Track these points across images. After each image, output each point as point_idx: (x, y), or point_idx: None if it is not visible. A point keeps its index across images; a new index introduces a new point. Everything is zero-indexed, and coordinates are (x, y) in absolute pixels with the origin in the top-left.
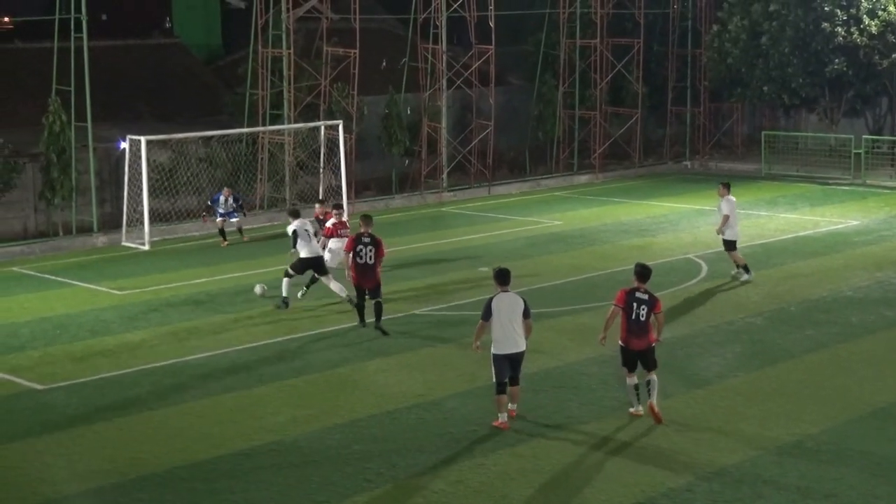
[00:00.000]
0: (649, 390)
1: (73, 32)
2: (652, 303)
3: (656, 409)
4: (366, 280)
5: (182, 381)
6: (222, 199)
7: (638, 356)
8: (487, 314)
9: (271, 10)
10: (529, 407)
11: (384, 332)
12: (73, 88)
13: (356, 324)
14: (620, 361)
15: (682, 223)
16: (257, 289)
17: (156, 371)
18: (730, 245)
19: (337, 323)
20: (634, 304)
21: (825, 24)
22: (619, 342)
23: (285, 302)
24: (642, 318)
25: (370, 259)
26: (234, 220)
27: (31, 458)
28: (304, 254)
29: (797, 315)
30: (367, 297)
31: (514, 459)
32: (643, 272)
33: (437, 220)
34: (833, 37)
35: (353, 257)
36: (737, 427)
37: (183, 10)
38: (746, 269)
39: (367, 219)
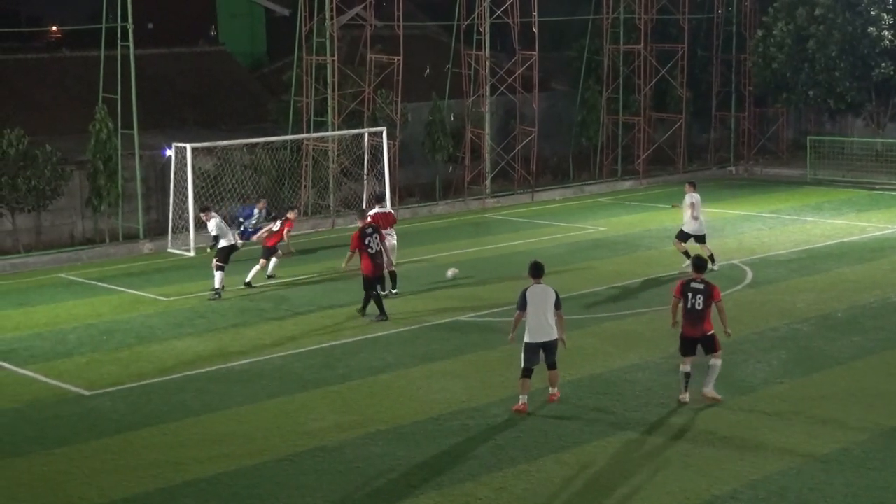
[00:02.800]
0: (708, 374)
1: (119, 41)
2: (708, 291)
3: (709, 394)
4: (378, 269)
5: (226, 387)
6: (256, 211)
7: (694, 343)
8: (522, 304)
9: (315, 18)
10: (574, 413)
11: (363, 314)
12: (119, 96)
13: (376, 318)
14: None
15: (727, 229)
16: (449, 273)
17: (201, 377)
18: (687, 237)
19: (380, 329)
20: (689, 294)
21: (871, 28)
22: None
23: (217, 293)
24: (698, 307)
25: (377, 247)
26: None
27: (78, 463)
28: (224, 243)
29: (844, 321)
30: (379, 286)
31: (558, 466)
32: (698, 263)
33: (481, 227)
34: (879, 41)
35: (364, 250)
36: (782, 434)
37: (228, 18)
38: (687, 255)
39: (363, 213)
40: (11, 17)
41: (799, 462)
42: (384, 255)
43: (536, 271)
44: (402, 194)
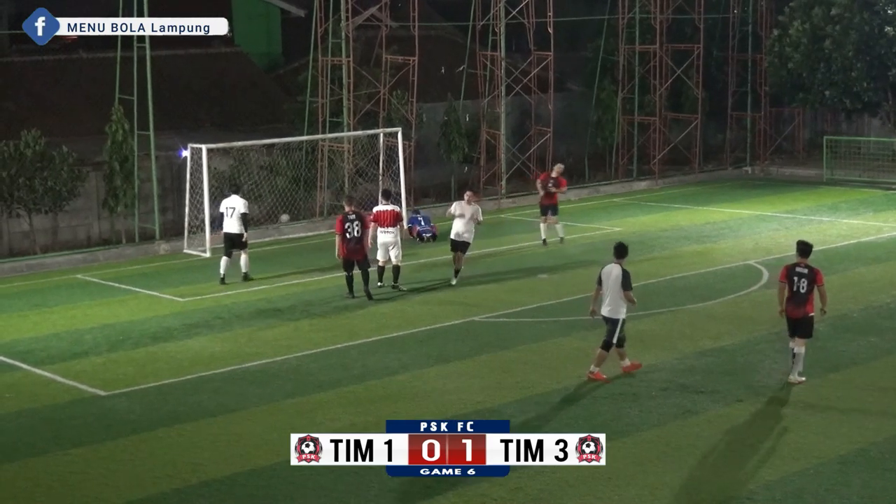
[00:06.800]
0: (795, 363)
1: (135, 42)
2: (812, 276)
3: (793, 381)
4: (355, 253)
5: (242, 387)
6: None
7: (796, 323)
8: (598, 280)
9: (331, 19)
10: (589, 413)
11: (369, 297)
12: (135, 97)
13: (345, 295)
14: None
15: (743, 229)
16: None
17: (216, 377)
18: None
19: (396, 330)
20: (795, 278)
21: (888, 28)
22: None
23: (222, 280)
24: (802, 291)
25: (357, 233)
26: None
27: (94, 464)
28: (226, 229)
29: (860, 321)
30: (354, 268)
31: (574, 467)
32: (804, 248)
33: (496, 227)
34: None
35: (343, 234)
36: (798, 435)
37: (244, 19)
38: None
39: (350, 199)
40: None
41: (815, 463)
42: (362, 244)
43: (616, 251)
44: (418, 195)
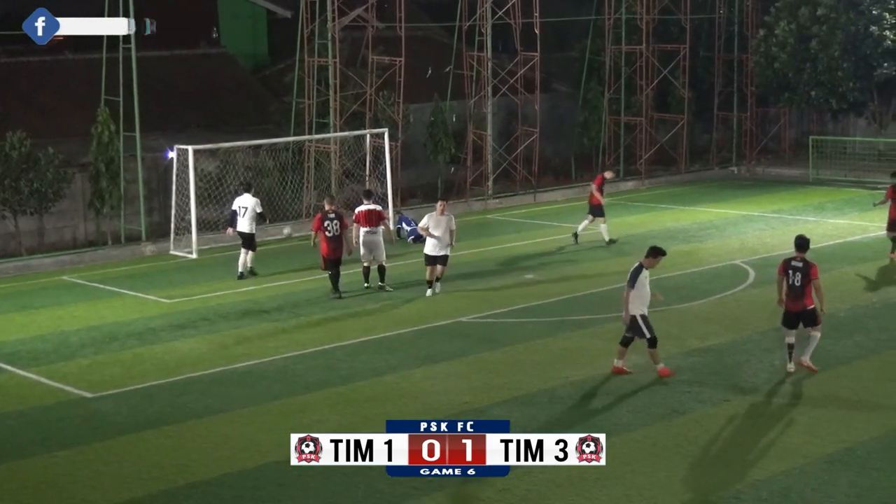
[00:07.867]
0: (807, 345)
1: (121, 43)
2: (806, 270)
3: (805, 362)
4: (335, 251)
5: (229, 388)
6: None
7: (796, 317)
8: None
9: (317, 20)
10: (577, 414)
11: (339, 297)
12: (121, 98)
13: (332, 295)
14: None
15: (729, 229)
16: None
17: (203, 379)
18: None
19: (383, 331)
20: (790, 272)
21: (874, 28)
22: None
23: (240, 275)
24: (797, 284)
25: (336, 231)
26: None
27: (81, 466)
28: (238, 228)
29: (846, 321)
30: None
31: (562, 467)
32: (800, 243)
33: (483, 228)
34: (882, 40)
35: (323, 232)
36: (785, 434)
37: (230, 19)
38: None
39: (331, 198)
40: (15, 20)
41: (802, 462)
42: (343, 242)
43: (647, 251)
44: (405, 195)
